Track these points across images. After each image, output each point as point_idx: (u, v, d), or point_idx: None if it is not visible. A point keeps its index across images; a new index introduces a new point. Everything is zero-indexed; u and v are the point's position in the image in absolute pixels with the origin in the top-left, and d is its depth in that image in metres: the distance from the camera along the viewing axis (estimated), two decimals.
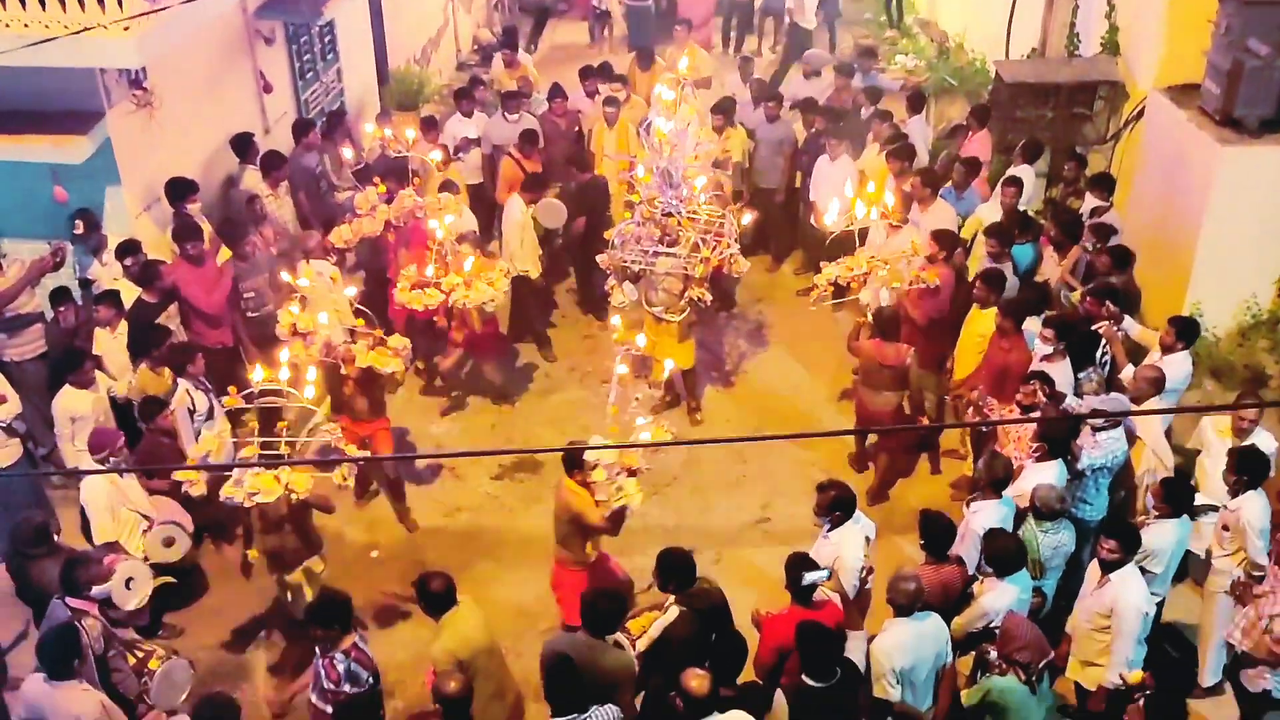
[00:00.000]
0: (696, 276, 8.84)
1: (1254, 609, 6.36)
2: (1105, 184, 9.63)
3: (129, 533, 7.24)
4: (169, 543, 7.25)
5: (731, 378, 10.40)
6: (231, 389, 7.03)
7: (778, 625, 5.99)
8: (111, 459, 7.12)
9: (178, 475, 6.98)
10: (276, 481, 6.50)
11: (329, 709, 5.91)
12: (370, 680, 5.91)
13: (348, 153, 10.29)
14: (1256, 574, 6.64)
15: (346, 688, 5.86)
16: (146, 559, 7.18)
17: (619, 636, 6.06)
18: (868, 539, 6.63)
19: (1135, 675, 5.96)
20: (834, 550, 6.52)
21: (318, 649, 5.96)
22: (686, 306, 9.04)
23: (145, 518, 7.31)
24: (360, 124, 11.79)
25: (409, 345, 8.10)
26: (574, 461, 6.97)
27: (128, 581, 6.57)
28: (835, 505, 6.58)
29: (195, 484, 6.72)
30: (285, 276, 8.44)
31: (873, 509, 8.39)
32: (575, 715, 5.35)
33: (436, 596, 5.98)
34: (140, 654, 6.34)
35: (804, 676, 5.55)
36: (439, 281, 8.62)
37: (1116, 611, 6.13)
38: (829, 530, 6.63)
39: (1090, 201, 9.64)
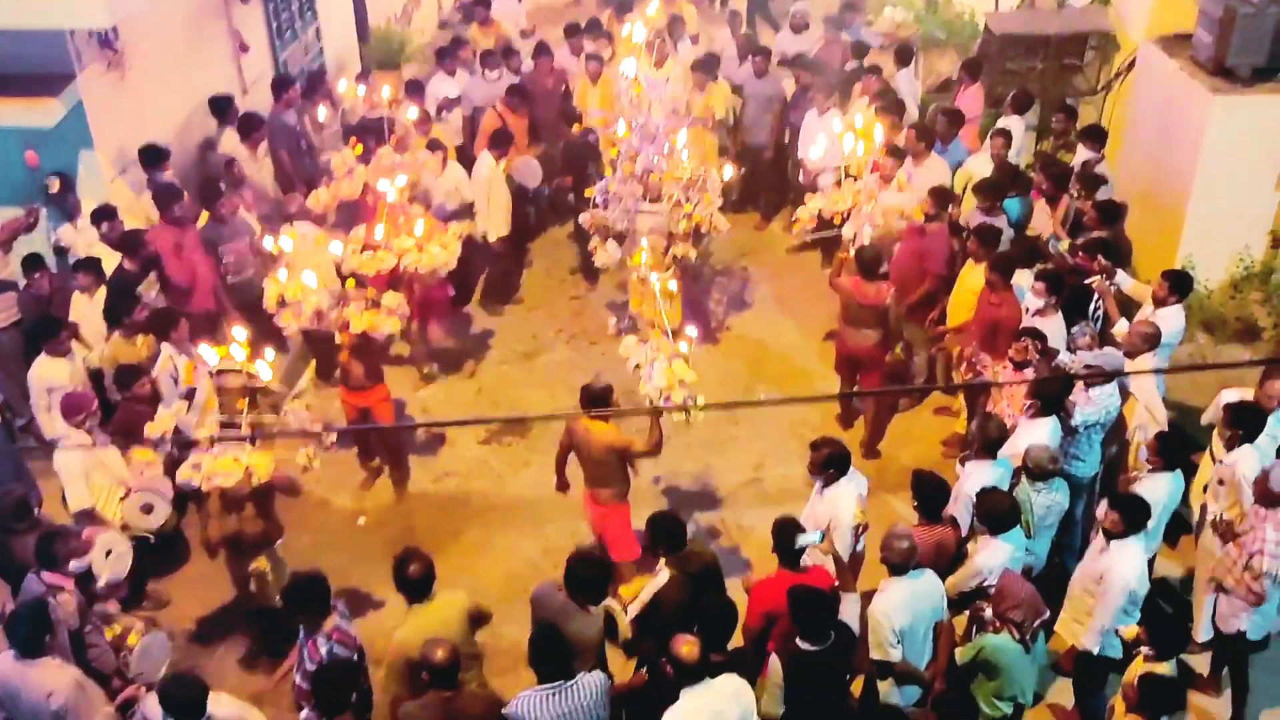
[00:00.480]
0: (680, 233, 8.71)
1: (1235, 548, 6.37)
2: (1096, 136, 9.52)
3: (106, 500, 7.11)
4: (148, 510, 7.12)
5: (719, 335, 10.30)
6: (189, 364, 6.86)
7: (766, 590, 5.93)
8: (87, 423, 6.99)
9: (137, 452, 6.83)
10: (236, 463, 6.27)
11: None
12: (354, 659, 5.79)
13: (323, 112, 10.05)
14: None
15: None
16: (125, 527, 7.09)
17: (611, 603, 5.99)
18: (860, 496, 6.57)
19: (1130, 630, 5.92)
20: (829, 509, 6.46)
21: (301, 630, 5.85)
22: (671, 265, 8.90)
23: (123, 485, 7.18)
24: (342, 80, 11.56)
25: (404, 301, 7.85)
26: (596, 399, 6.85)
27: (107, 553, 6.47)
28: (829, 463, 6.50)
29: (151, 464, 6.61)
30: (267, 241, 8.20)
31: (867, 465, 8.31)
32: (561, 682, 5.28)
33: (411, 583, 5.76)
34: (119, 628, 6.24)
35: (798, 640, 5.49)
36: (390, 245, 8.35)
37: (1106, 580, 6.07)
38: (823, 488, 6.57)
39: (1082, 154, 9.52)
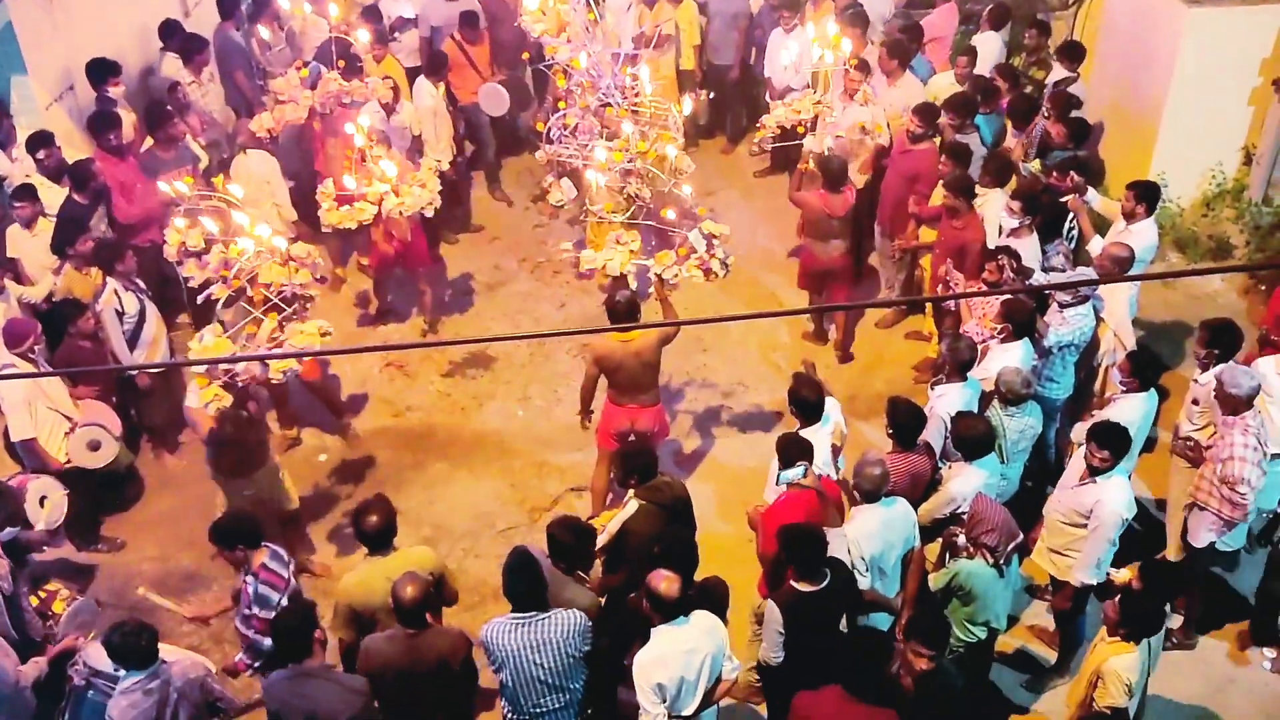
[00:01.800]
0: (637, 171, 8.35)
1: (1208, 466, 6.29)
2: (1072, 53, 9.25)
3: (50, 434, 6.88)
4: (94, 446, 6.91)
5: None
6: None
7: (777, 512, 5.79)
8: (33, 351, 6.74)
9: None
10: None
11: (250, 633, 5.63)
12: (282, 602, 5.55)
13: (265, 32, 9.58)
14: None
15: (257, 610, 5.55)
16: (69, 462, 6.85)
17: None
18: (835, 446, 6.43)
19: (1122, 575, 5.83)
20: None
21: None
22: (628, 205, 8.59)
23: (68, 419, 6.94)
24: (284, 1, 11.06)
25: (314, 251, 7.11)
26: (623, 313, 6.82)
27: (41, 500, 6.28)
28: (797, 404, 6.37)
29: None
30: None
31: (839, 390, 8.15)
32: (536, 613, 5.15)
33: (369, 534, 5.55)
34: (43, 594, 6.05)
35: (794, 583, 5.36)
36: (365, 193, 7.86)
37: (1097, 515, 5.95)
38: (797, 429, 6.42)
39: (1058, 72, 9.29)
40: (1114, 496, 5.91)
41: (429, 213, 8.11)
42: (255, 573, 5.58)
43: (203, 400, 6.15)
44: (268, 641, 5.49)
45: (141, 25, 9.58)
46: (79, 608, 6.03)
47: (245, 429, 6.58)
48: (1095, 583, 6.09)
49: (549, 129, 8.31)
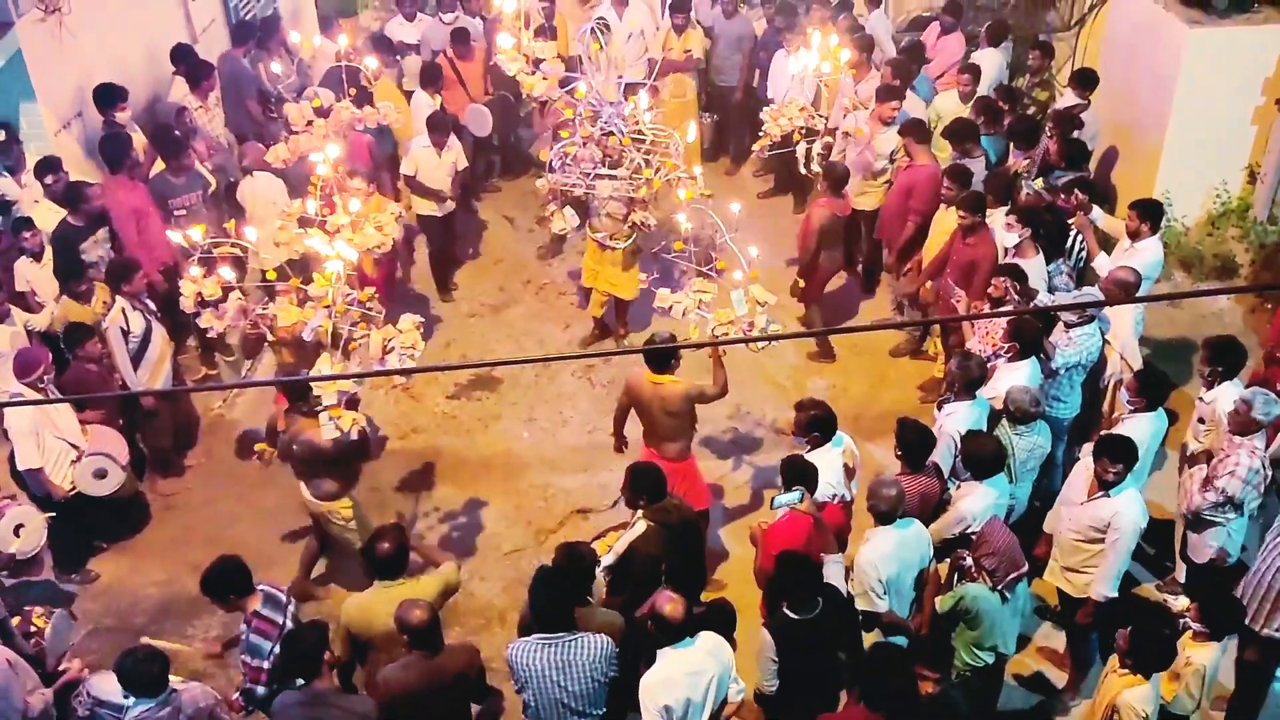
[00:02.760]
0: (641, 199, 8.36)
1: (1189, 476, 6.34)
2: (1084, 80, 9.22)
3: (56, 462, 6.88)
4: (100, 474, 6.92)
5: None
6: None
7: (777, 533, 5.77)
8: (43, 380, 6.74)
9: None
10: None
11: (244, 678, 5.57)
12: (274, 650, 5.43)
13: (277, 66, 9.59)
14: None
15: (248, 659, 5.47)
16: (74, 489, 6.87)
17: None
18: (847, 467, 6.37)
19: (1181, 603, 5.73)
20: None
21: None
22: (631, 232, 8.62)
23: (74, 447, 6.94)
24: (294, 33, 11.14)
25: (330, 291, 6.96)
26: (666, 356, 6.70)
27: (16, 528, 6.30)
28: (813, 425, 6.31)
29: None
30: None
31: (843, 411, 8.09)
32: (564, 634, 5.13)
33: (381, 562, 5.52)
34: (19, 616, 6.02)
35: (786, 609, 5.34)
36: (324, 221, 7.59)
37: (1116, 527, 5.91)
38: (807, 452, 6.40)
39: (1069, 98, 9.28)
40: (1130, 508, 5.90)
41: (376, 254, 7.81)
42: (248, 620, 5.49)
43: (346, 426, 6.16)
44: (261, 689, 5.45)
45: (149, 51, 9.64)
46: (57, 622, 6.00)
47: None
48: (1115, 596, 6.06)
49: (552, 158, 8.31)
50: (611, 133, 8.11)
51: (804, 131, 8.59)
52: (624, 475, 6.10)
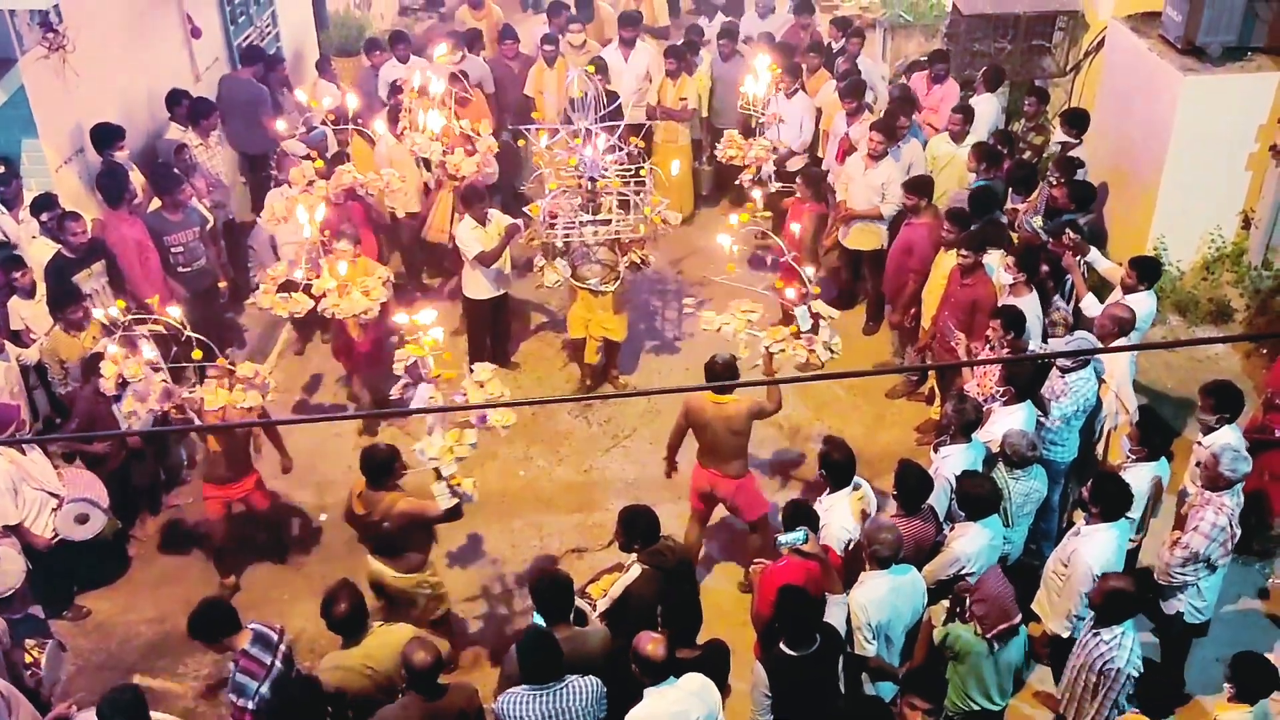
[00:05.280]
0: (630, 241, 8.37)
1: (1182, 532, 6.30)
2: (1076, 121, 9.30)
3: (37, 513, 6.77)
4: (82, 520, 6.86)
5: (690, 326, 10.11)
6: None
7: (776, 576, 5.74)
8: (17, 434, 6.67)
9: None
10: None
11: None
12: (261, 690, 5.34)
13: (281, 124, 9.51)
14: None
15: (234, 699, 5.38)
16: (56, 537, 6.81)
17: (579, 603, 5.78)
18: (865, 513, 6.33)
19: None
20: (823, 516, 6.21)
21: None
22: (620, 275, 8.61)
23: (54, 495, 6.85)
24: (306, 68, 11.23)
25: (260, 371, 6.96)
26: (721, 374, 6.79)
27: None
28: (828, 468, 6.33)
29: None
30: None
31: None
32: (553, 684, 5.08)
33: (339, 624, 5.44)
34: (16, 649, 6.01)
35: (782, 645, 5.31)
36: (309, 285, 7.58)
37: (1071, 564, 5.95)
38: (824, 494, 6.39)
39: (1059, 138, 9.37)
40: (1090, 549, 5.89)
41: (363, 320, 7.79)
42: (235, 659, 5.41)
43: (469, 489, 6.16)
44: None
45: (152, 90, 9.70)
46: (50, 652, 6.01)
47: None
48: (1065, 635, 6.06)
49: (543, 214, 8.25)
50: (594, 178, 8.14)
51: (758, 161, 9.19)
52: (617, 520, 6.04)
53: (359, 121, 9.21)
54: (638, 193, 8.21)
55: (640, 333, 9.94)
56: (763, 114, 9.26)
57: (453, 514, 6.26)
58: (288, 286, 7.74)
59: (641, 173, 8.32)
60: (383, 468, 6.29)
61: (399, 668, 5.25)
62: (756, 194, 8.81)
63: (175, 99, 9.54)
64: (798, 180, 9.39)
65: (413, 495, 6.31)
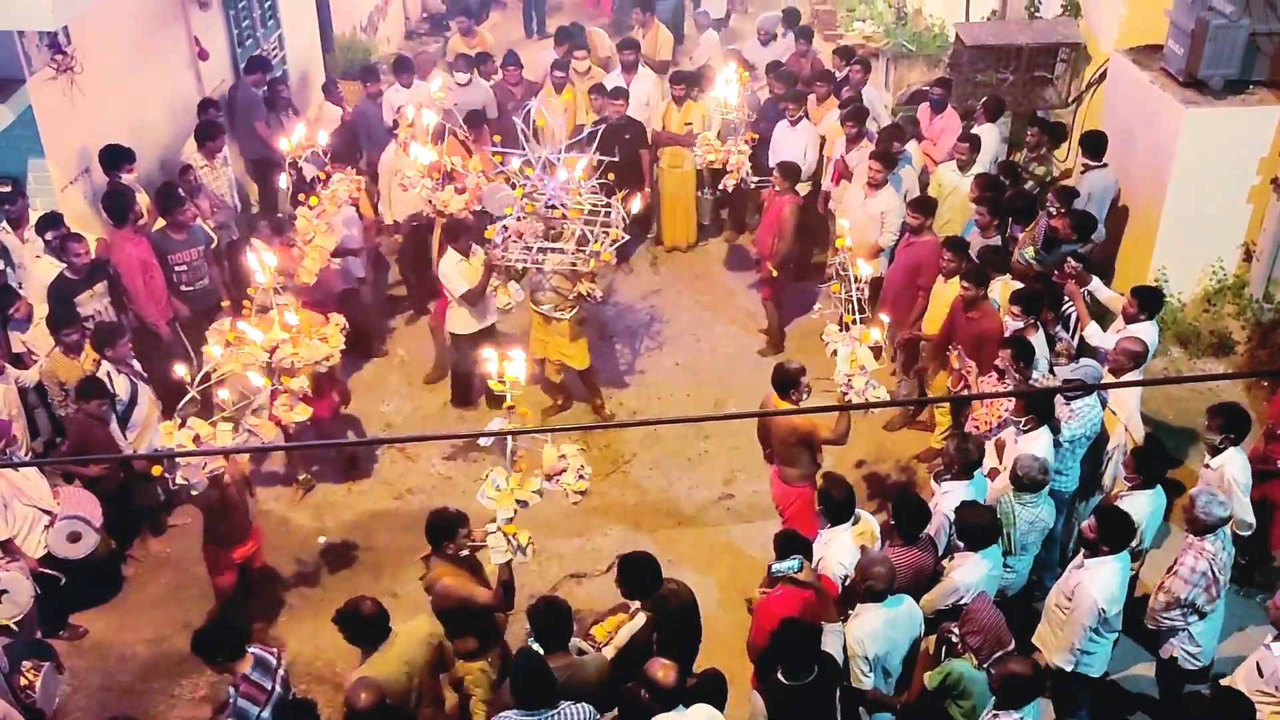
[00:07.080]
0: (585, 272, 8.28)
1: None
2: (1091, 144, 9.33)
3: (28, 530, 6.76)
4: (74, 538, 6.84)
5: (690, 352, 10.12)
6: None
7: (772, 607, 5.71)
8: (4, 453, 6.67)
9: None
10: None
11: None
12: (263, 715, 5.31)
13: (282, 181, 9.23)
14: (1243, 532, 6.53)
15: None
16: (49, 555, 6.80)
17: (581, 644, 5.75)
18: (864, 549, 6.25)
19: None
20: (820, 550, 6.21)
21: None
22: (576, 304, 8.56)
23: (47, 513, 6.83)
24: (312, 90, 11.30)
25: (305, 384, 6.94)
26: (788, 383, 6.80)
27: (1, 594, 6.24)
28: (826, 504, 6.30)
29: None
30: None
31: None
32: (545, 710, 5.05)
33: (364, 635, 5.44)
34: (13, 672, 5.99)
35: (779, 674, 5.28)
36: (257, 340, 7.04)
37: (1075, 598, 5.91)
38: (823, 527, 6.37)
39: (1080, 164, 9.42)
40: (1096, 581, 5.85)
41: (323, 368, 7.37)
42: (237, 684, 5.38)
43: (524, 542, 5.79)
44: None
45: (159, 111, 9.78)
46: (46, 676, 5.99)
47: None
48: (1068, 668, 6.02)
49: (497, 235, 8.20)
50: (554, 205, 8.14)
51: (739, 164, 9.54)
52: (618, 569, 5.93)
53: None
54: (599, 225, 8.18)
55: (639, 356, 9.95)
56: (733, 114, 9.67)
57: (503, 600, 5.82)
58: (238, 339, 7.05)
59: (608, 206, 8.28)
60: (440, 531, 5.86)
61: (427, 659, 5.41)
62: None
63: (204, 108, 9.83)
64: (774, 173, 9.54)
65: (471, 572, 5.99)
